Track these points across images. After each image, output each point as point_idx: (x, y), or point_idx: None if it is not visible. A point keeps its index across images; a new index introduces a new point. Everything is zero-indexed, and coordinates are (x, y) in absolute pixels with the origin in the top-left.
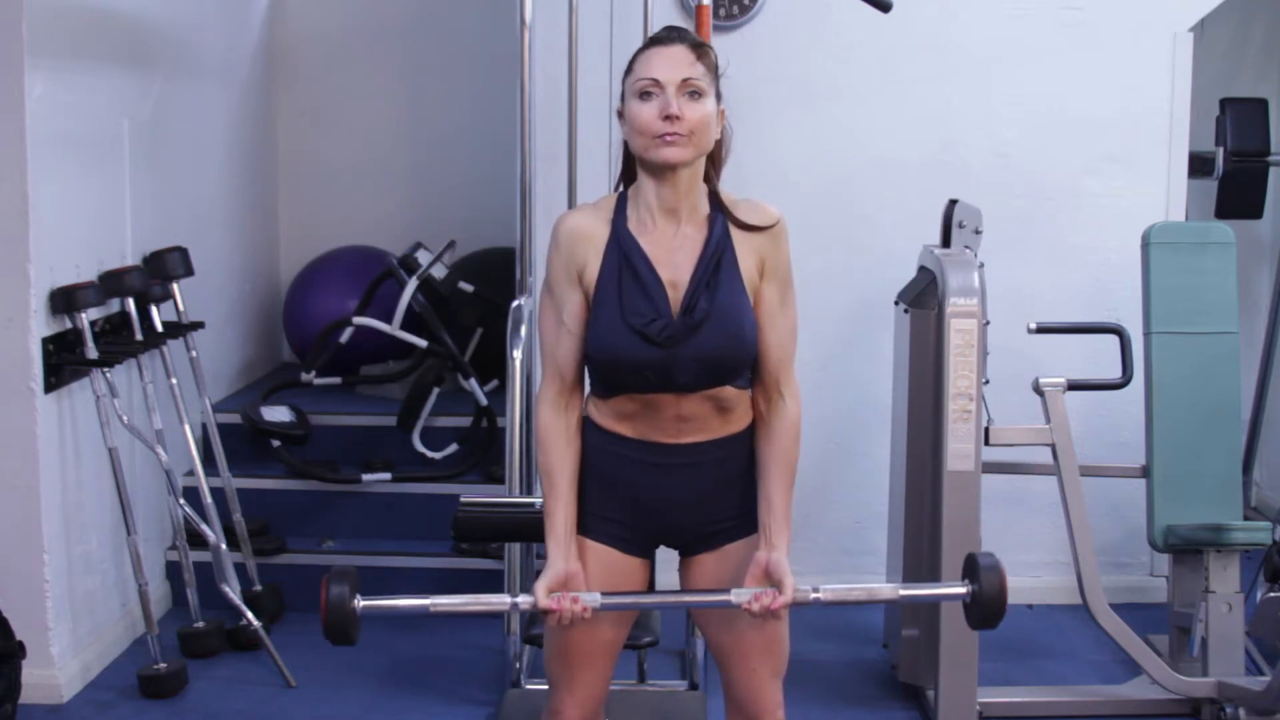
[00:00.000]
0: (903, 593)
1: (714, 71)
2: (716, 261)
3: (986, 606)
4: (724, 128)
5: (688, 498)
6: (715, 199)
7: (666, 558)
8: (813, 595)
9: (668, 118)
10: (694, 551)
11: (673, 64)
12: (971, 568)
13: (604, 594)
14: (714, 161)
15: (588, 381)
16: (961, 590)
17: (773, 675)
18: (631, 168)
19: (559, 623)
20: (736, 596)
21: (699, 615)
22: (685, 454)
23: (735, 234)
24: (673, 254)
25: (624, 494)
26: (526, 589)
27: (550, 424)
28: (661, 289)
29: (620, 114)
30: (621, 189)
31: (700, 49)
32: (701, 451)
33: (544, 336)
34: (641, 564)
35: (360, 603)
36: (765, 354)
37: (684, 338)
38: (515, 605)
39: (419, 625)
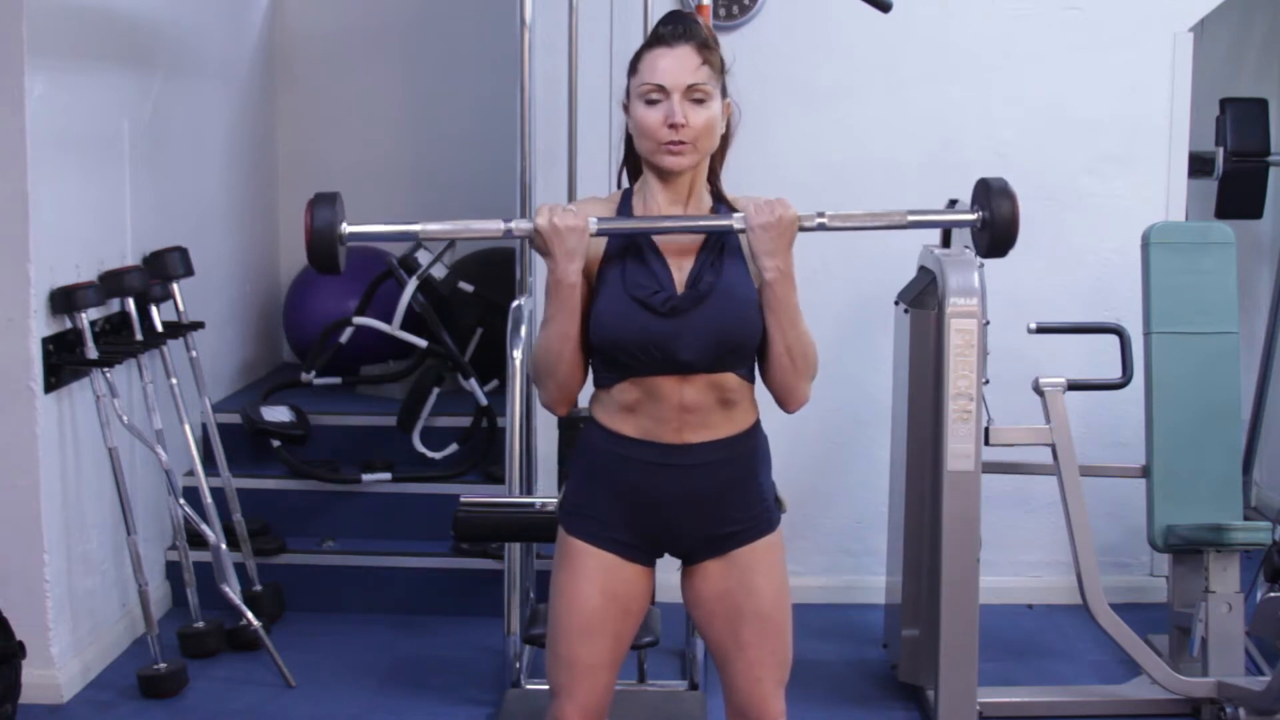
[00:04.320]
0: (911, 217)
1: (720, 70)
2: (720, 245)
3: (997, 230)
4: (729, 118)
5: (691, 501)
6: (717, 193)
7: (666, 561)
8: (817, 219)
9: (673, 125)
10: (698, 559)
11: (678, 69)
12: (983, 192)
13: (599, 220)
14: (718, 153)
15: (589, 379)
16: (972, 217)
17: (776, 684)
18: (635, 156)
19: (549, 228)
20: (738, 221)
21: (702, 621)
22: (688, 454)
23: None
24: (677, 239)
25: (627, 498)
26: (526, 589)
27: None
28: (665, 267)
29: (625, 106)
30: (626, 185)
31: (706, 48)
32: (705, 452)
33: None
34: (644, 572)
35: (347, 228)
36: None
37: (688, 309)
38: (509, 231)
39: (419, 625)
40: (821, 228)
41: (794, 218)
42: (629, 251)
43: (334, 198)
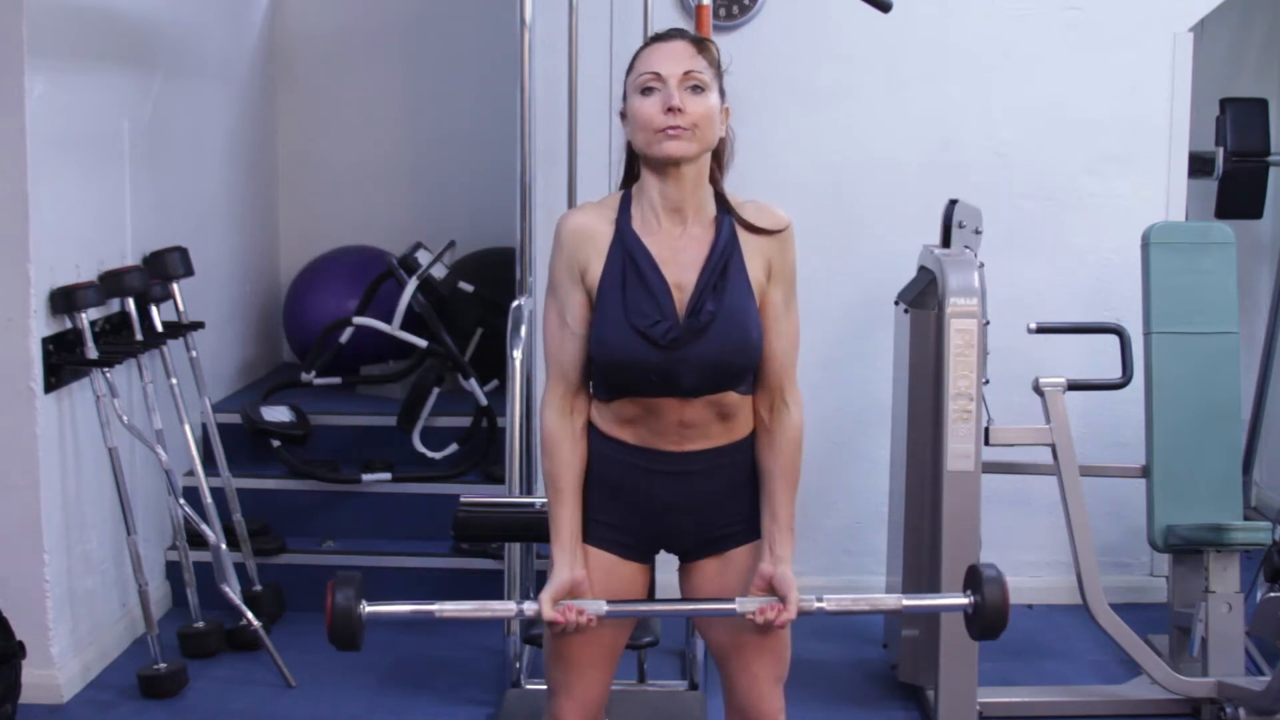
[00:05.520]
0: (906, 603)
1: (716, 67)
2: (724, 264)
3: (988, 618)
4: (728, 127)
5: (690, 504)
6: (721, 200)
7: (666, 560)
8: (816, 605)
9: (670, 110)
10: (695, 557)
11: (674, 58)
12: (974, 579)
13: (609, 602)
14: (718, 161)
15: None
16: (964, 601)
17: (775, 680)
18: (633, 170)
19: (563, 633)
20: (741, 606)
21: (700, 620)
22: (687, 461)
23: (743, 236)
24: (678, 254)
25: (625, 500)
26: (526, 589)
27: (555, 428)
28: (666, 290)
29: (623, 115)
30: (624, 188)
31: (701, 44)
32: (704, 459)
33: (548, 339)
34: (642, 569)
35: (366, 609)
36: (769, 360)
37: (688, 341)
38: (521, 612)
39: (419, 625)
40: (821, 612)
41: (791, 619)
42: (629, 268)
43: (354, 580)
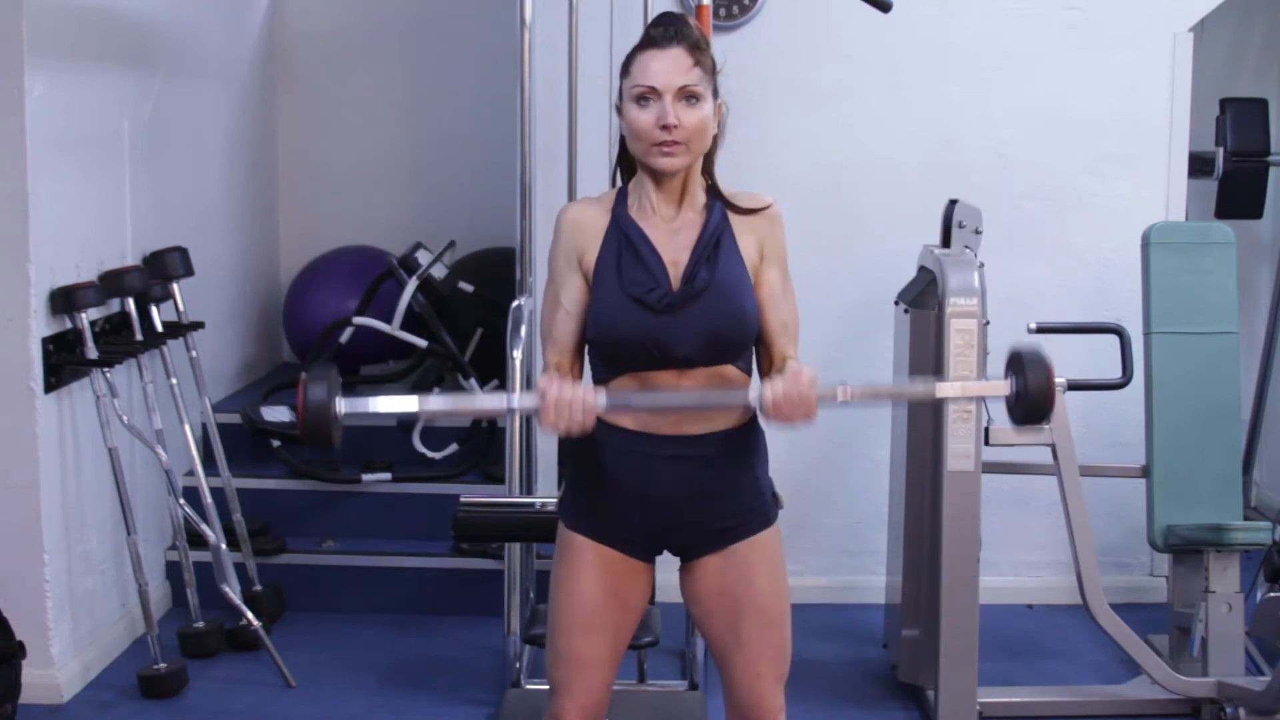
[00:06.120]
0: (940, 391)
1: (712, 71)
2: (716, 241)
3: (1031, 402)
4: (720, 119)
5: (689, 492)
6: (713, 189)
7: (667, 560)
8: (840, 393)
9: (665, 126)
10: (696, 555)
11: (670, 70)
12: (1016, 363)
13: (609, 395)
14: (710, 153)
15: (588, 375)
16: (1004, 386)
17: (775, 679)
18: (629, 158)
19: (555, 414)
20: (754, 391)
21: (701, 618)
22: (686, 445)
23: (733, 219)
24: (673, 237)
25: (626, 491)
26: (527, 589)
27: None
28: (661, 264)
29: (619, 110)
30: (621, 184)
31: (698, 49)
32: (702, 444)
33: (544, 318)
34: (644, 567)
35: (343, 407)
36: (772, 336)
37: (683, 306)
38: (512, 410)
39: (419, 625)
40: (844, 405)
41: (813, 406)
42: (625, 249)
43: (328, 375)
